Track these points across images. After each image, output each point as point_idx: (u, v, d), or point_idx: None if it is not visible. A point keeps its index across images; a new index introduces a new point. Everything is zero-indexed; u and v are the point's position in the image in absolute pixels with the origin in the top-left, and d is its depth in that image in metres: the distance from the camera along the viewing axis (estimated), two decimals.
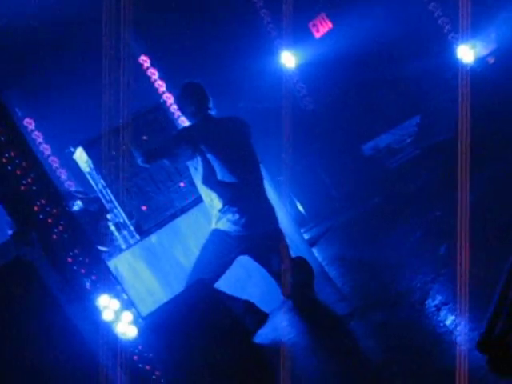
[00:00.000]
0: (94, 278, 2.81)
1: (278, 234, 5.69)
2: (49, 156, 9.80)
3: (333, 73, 10.02)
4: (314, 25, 11.22)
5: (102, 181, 5.77)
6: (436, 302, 4.07)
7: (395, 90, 10.15)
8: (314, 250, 6.97)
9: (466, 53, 8.70)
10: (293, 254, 5.78)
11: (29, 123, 9.81)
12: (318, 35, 11.17)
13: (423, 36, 9.48)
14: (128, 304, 2.94)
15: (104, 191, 5.85)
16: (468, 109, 5.77)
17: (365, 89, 10.07)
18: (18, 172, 2.84)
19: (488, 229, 4.69)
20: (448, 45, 9.18)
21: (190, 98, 5.67)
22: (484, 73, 8.18)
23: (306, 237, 7.65)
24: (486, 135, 5.90)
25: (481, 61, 8.61)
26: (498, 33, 8.82)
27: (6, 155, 2.84)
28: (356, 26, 9.88)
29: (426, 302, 4.13)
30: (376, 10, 9.70)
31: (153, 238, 5.70)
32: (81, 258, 2.81)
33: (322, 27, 11.17)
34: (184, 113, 5.84)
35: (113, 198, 5.77)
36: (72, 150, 5.91)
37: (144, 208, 5.85)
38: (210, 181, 5.49)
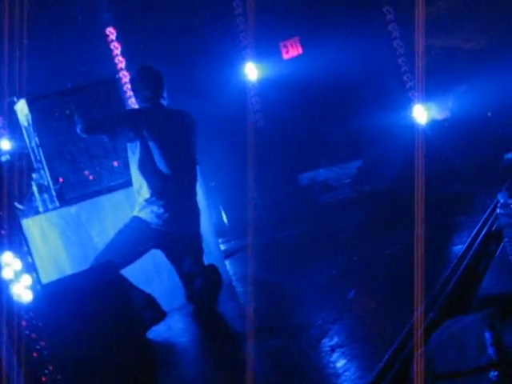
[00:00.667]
0: (2, 232, 2.72)
1: (197, 238, 5.65)
2: None
3: (291, 96, 10.07)
4: (285, 45, 11.29)
5: (36, 139, 5.62)
6: (332, 342, 4.09)
7: (346, 130, 10.27)
8: (227, 263, 6.96)
9: (421, 113, 8.91)
10: (205, 261, 5.75)
11: None
12: (286, 56, 11.24)
13: (386, 86, 9.65)
14: (30, 268, 2.85)
15: (36, 150, 5.70)
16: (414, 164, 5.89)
17: (317, 120, 10.17)
18: None
19: (399, 282, 4.76)
20: (406, 101, 9.36)
21: (146, 82, 5.58)
22: (436, 136, 8.38)
23: (223, 247, 7.63)
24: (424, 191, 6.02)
25: (434, 124, 8.81)
26: (455, 103, 9.07)
27: None
28: (325, 59, 9.98)
29: (323, 341, 4.15)
30: (349, 50, 9.82)
31: (72, 208, 5.58)
32: None
33: (292, 50, 11.24)
34: (136, 95, 5.74)
35: (43, 159, 5.62)
36: (15, 100, 5.74)
37: (87, 174, 5.72)
38: (144, 168, 5.41)
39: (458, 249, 5.27)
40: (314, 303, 4.95)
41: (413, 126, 8.47)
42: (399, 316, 4.10)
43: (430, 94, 8.93)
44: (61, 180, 5.68)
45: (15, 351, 2.58)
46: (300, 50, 11.18)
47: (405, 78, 9.38)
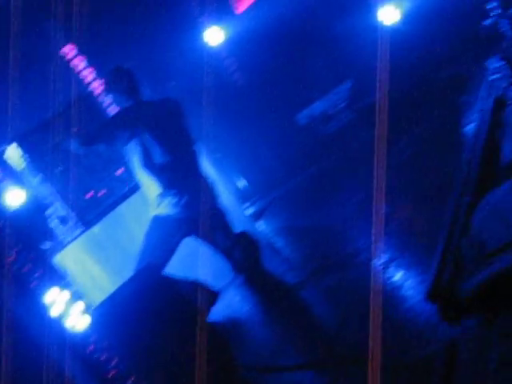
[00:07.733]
0: (38, 274, 2.76)
1: (219, 212, 5.69)
2: None
3: (260, 49, 9.92)
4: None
5: (39, 175, 5.61)
6: (383, 260, 4.12)
7: (323, 56, 10.10)
8: (262, 223, 6.99)
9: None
10: (236, 230, 5.78)
11: None
12: (240, 10, 11.07)
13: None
14: (77, 295, 2.89)
15: (42, 187, 5.70)
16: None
17: (294, 58, 10.01)
18: None
19: (425, 184, 4.78)
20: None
21: (119, 84, 5.57)
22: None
23: (252, 210, 7.65)
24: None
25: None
26: None
27: None
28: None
29: (373, 261, 4.17)
30: None
31: (96, 228, 5.62)
32: (23, 256, 2.75)
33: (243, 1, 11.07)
34: (114, 97, 5.72)
35: (54, 192, 5.63)
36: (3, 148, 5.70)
37: (89, 195, 5.73)
38: (146, 164, 5.42)
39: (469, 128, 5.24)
40: (353, 230, 4.96)
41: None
42: (436, 212, 4.11)
43: None
44: (89, 195, 5.70)
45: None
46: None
47: None
